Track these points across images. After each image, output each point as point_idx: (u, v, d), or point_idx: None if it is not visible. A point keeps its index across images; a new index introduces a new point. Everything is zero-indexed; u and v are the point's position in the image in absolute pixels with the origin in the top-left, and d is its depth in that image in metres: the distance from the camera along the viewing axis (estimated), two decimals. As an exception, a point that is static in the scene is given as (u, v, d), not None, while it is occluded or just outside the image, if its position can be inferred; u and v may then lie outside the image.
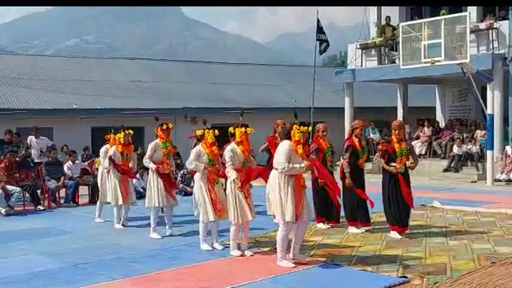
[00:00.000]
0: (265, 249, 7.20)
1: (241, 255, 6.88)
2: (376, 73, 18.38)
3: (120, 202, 9.17)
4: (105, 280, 5.96)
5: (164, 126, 8.36)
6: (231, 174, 6.81)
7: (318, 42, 18.82)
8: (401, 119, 20.54)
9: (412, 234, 8.08)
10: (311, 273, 6.13)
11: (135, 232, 8.77)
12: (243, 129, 6.95)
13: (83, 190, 12.60)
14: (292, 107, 22.45)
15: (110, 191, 9.28)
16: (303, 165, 6.23)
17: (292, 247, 6.49)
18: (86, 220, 10.10)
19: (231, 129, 7.24)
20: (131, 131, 9.47)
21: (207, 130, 7.34)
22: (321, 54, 19.19)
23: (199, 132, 7.54)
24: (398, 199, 7.78)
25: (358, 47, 19.44)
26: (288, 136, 6.46)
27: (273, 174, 6.39)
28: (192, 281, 5.88)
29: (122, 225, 9.26)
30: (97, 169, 12.82)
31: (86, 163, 14.04)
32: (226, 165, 6.90)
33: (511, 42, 15.25)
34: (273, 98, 23.36)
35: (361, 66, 19.30)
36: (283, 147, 6.29)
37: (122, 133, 9.31)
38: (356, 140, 8.08)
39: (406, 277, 5.79)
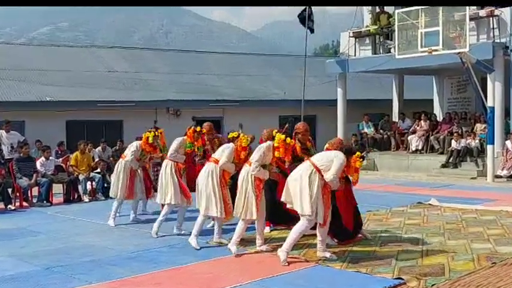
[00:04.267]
0: (252, 250, 7.19)
1: (238, 256, 6.93)
2: (371, 63, 18.41)
3: (122, 197, 9.32)
4: (80, 284, 5.91)
5: (198, 129, 8.59)
6: (264, 174, 7.01)
7: (310, 23, 18.77)
8: (397, 111, 20.68)
9: (408, 234, 8.12)
10: (302, 275, 6.13)
11: (113, 232, 8.72)
12: (283, 136, 7.09)
13: (57, 188, 12.50)
14: (281, 100, 22.56)
15: (114, 185, 9.45)
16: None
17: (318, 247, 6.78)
18: (60, 220, 10.02)
19: (274, 132, 7.25)
20: (161, 131, 9.57)
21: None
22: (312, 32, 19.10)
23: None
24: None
25: (351, 35, 19.44)
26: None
27: (308, 169, 6.50)
28: (173, 285, 5.86)
29: (134, 220, 9.45)
30: (72, 166, 12.80)
31: (61, 159, 13.92)
32: (253, 163, 6.95)
33: (512, 30, 15.31)
34: (261, 90, 23.35)
35: (355, 55, 19.32)
36: (343, 161, 6.55)
37: (151, 133, 9.36)
38: (298, 145, 8.04)
39: (402, 279, 5.81)
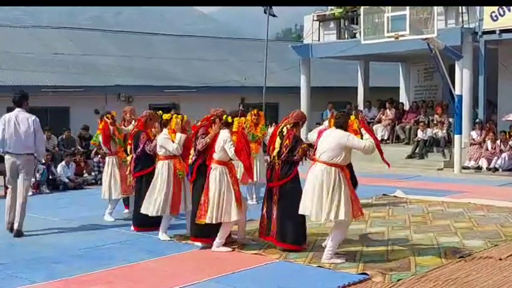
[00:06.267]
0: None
1: (233, 250, 6.93)
2: (335, 49, 18.54)
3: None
4: (24, 284, 5.82)
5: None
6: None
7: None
8: (362, 99, 20.92)
9: (373, 227, 8.24)
10: (263, 271, 6.16)
11: (60, 228, 8.58)
12: (242, 119, 7.13)
13: (-3, 180, 12.18)
14: (241, 86, 22.53)
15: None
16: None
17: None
18: (1, 214, 9.79)
19: (229, 118, 7.03)
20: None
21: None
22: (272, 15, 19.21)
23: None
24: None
25: (315, 19, 19.54)
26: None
27: (324, 169, 6.31)
28: (124, 284, 5.82)
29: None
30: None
31: (1, 149, 13.56)
32: (231, 154, 6.85)
33: (482, 15, 15.58)
34: (219, 76, 23.23)
35: (319, 40, 19.43)
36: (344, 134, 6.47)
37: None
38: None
39: (366, 274, 5.90)
